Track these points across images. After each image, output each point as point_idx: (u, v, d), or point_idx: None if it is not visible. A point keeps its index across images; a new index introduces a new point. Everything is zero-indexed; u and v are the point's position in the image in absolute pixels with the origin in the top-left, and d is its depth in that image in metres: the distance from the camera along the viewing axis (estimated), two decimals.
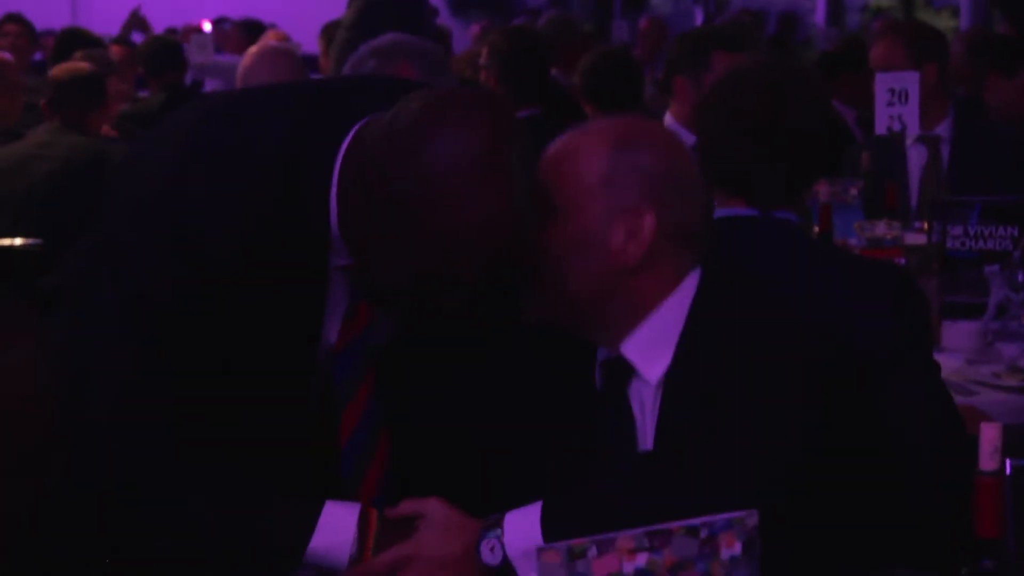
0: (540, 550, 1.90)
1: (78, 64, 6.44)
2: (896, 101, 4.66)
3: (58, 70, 6.24)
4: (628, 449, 2.46)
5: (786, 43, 11.44)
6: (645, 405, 2.45)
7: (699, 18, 13.40)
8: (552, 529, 2.33)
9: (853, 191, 4.88)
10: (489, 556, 2.37)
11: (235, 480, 2.45)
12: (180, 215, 2.35)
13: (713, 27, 7.32)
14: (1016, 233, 4.29)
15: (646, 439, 2.44)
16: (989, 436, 2.07)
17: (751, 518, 1.98)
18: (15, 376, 1.73)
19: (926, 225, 4.64)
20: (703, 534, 1.96)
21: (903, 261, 4.35)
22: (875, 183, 5.22)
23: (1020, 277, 4.22)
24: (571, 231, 2.40)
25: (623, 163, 2.41)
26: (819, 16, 11.14)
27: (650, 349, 2.44)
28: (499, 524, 2.38)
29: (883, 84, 4.63)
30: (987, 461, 2.07)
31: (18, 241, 4.99)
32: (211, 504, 2.43)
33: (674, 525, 1.95)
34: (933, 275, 4.34)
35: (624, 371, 2.47)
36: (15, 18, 9.44)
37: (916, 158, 5.31)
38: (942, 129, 5.31)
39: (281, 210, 2.37)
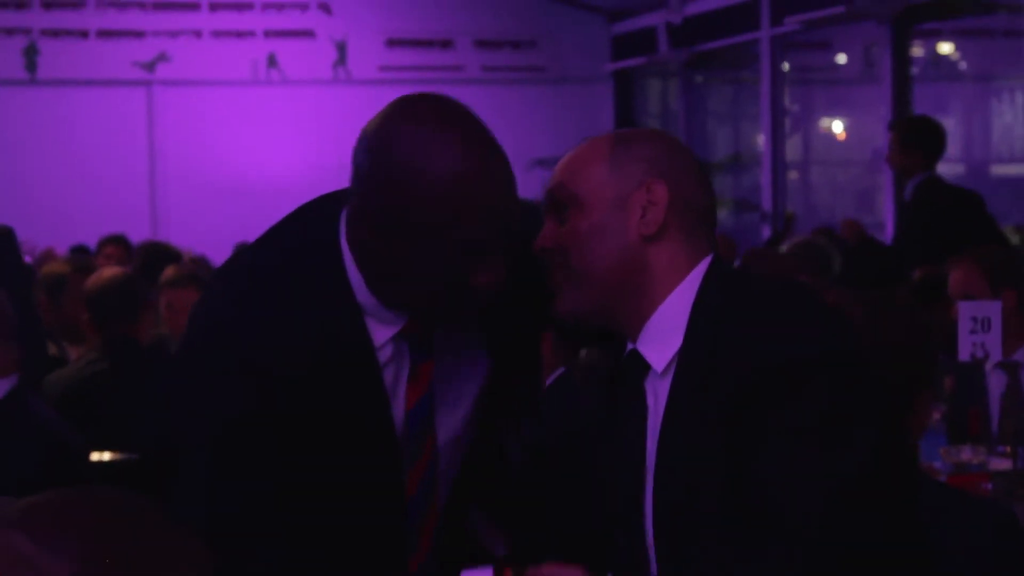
0: None
1: (109, 272, 6.07)
2: (979, 329, 4.72)
3: (90, 282, 5.83)
4: (639, 443, 2.49)
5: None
6: (659, 398, 2.48)
7: (766, 232, 13.57)
8: None
9: (936, 415, 4.91)
10: None
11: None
12: (231, 346, 2.49)
13: (788, 254, 7.34)
14: None
15: (655, 432, 2.47)
16: None
17: None
18: None
19: (1009, 450, 4.69)
20: None
21: (989, 486, 4.39)
22: (958, 408, 5.29)
23: None
24: (593, 219, 2.49)
25: (625, 153, 2.52)
26: (888, 231, 11.29)
27: (658, 339, 2.48)
28: None
29: (966, 312, 4.70)
30: None
31: (107, 456, 5.07)
32: None
33: None
34: (1020, 500, 4.38)
35: (640, 366, 2.51)
36: (115, 240, 9.67)
37: (996, 383, 5.38)
38: (1021, 354, 5.39)
39: (312, 308, 2.50)
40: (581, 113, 13.27)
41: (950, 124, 14.73)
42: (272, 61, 12.98)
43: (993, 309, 4.58)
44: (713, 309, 2.46)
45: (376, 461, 2.55)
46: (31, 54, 12.23)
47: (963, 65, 14.66)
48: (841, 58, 14.85)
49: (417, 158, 2.42)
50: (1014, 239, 11.05)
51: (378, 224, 2.46)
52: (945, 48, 14.00)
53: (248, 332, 2.49)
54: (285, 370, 2.47)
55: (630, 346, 2.53)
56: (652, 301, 2.50)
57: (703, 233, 2.53)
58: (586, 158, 2.53)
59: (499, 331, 2.62)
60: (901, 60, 11.12)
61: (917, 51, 12.33)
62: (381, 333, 2.54)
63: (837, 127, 15.10)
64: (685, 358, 2.45)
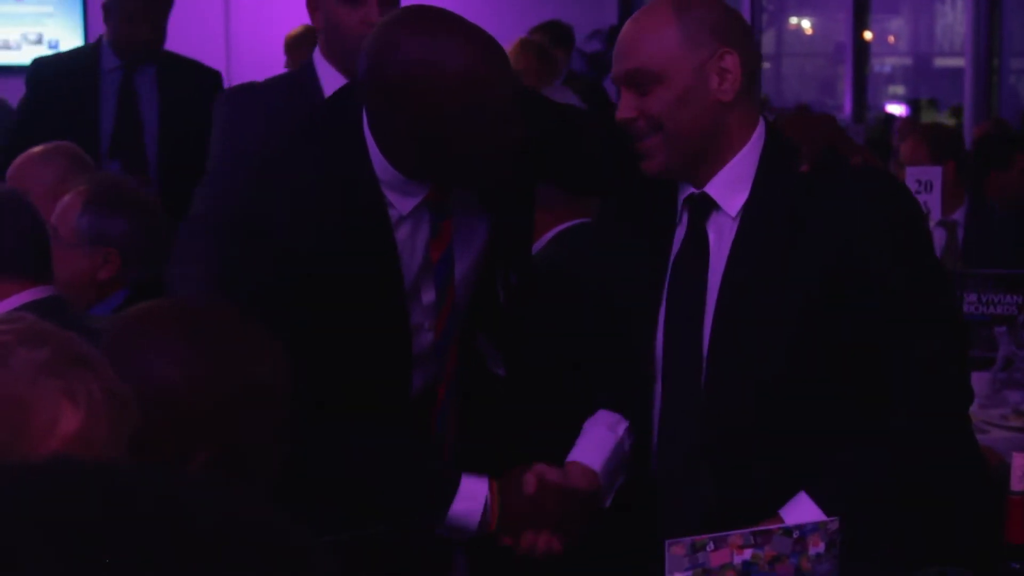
0: (669, 544, 2.03)
1: None
2: (923, 190, 4.74)
3: None
4: (699, 274, 2.45)
5: None
6: (723, 234, 2.44)
7: None
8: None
9: None
10: None
11: (381, 446, 2.48)
12: (264, 222, 2.42)
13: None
14: (1020, 300, 4.37)
15: (719, 263, 2.44)
16: (1020, 463, 2.18)
17: (833, 524, 2.11)
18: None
19: None
20: (795, 535, 2.08)
21: None
22: None
23: None
24: (676, 90, 2.39)
25: (692, 23, 2.39)
26: (846, 112, 11.24)
27: (730, 186, 2.43)
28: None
29: (912, 176, 4.71)
30: (1017, 483, 2.19)
31: None
32: (366, 468, 2.47)
33: (773, 527, 2.09)
34: None
35: (706, 206, 2.46)
36: None
37: (937, 238, 5.41)
38: (958, 215, 5.41)
39: (337, 187, 2.42)
40: (590, 8, 13.13)
41: (900, 22, 14.59)
42: None
43: (935, 173, 4.60)
44: (780, 166, 2.43)
45: (387, 310, 2.50)
46: None
47: None
48: None
49: (426, 58, 2.30)
50: (952, 120, 11.00)
51: (393, 120, 2.37)
52: None
53: (280, 210, 2.42)
54: (313, 239, 2.40)
55: (689, 190, 2.48)
56: (726, 154, 2.44)
57: (757, 90, 2.47)
58: (657, 35, 2.40)
59: (498, 192, 2.55)
60: None
61: None
62: (405, 203, 2.46)
63: (806, 24, 14.95)
64: (756, 205, 2.42)
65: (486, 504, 2.45)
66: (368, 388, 2.51)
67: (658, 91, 2.40)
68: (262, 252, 2.41)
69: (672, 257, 2.50)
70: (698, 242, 2.47)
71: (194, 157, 3.65)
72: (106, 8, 4.76)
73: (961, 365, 2.45)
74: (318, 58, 3.16)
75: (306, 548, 0.79)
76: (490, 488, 2.46)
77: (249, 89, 3.34)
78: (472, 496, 2.45)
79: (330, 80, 3.09)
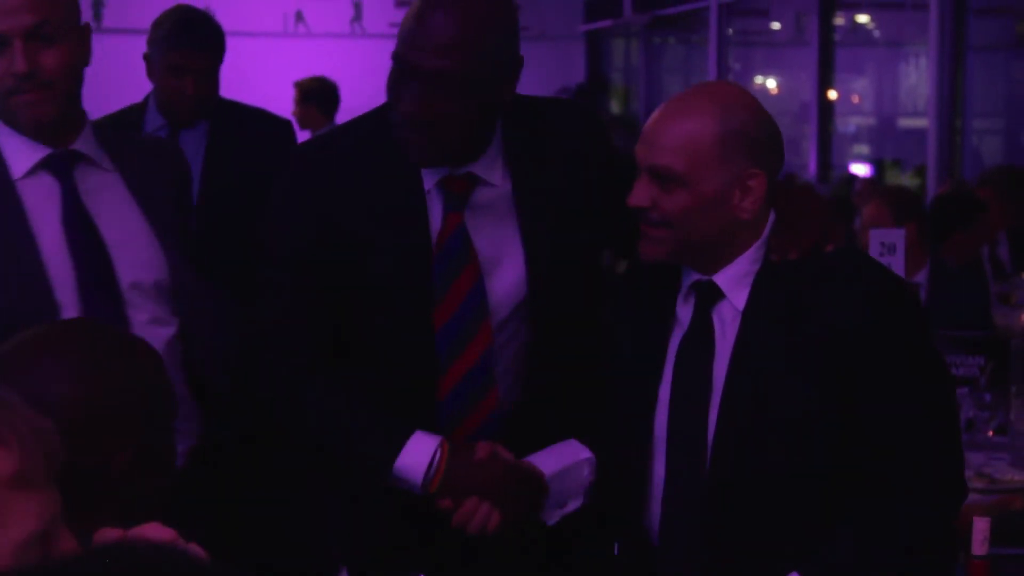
0: None
1: None
2: (886, 253, 4.75)
3: None
4: (705, 359, 2.43)
5: None
6: (727, 324, 2.42)
7: None
8: None
9: None
10: None
11: (350, 398, 2.54)
12: (301, 189, 2.55)
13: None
14: (982, 362, 4.39)
15: (724, 353, 2.41)
16: (980, 527, 2.19)
17: None
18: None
19: None
20: None
21: None
22: None
23: (986, 398, 4.30)
24: (696, 198, 2.35)
25: (730, 135, 2.35)
26: (811, 171, 11.32)
27: (738, 280, 2.41)
28: None
29: (876, 239, 4.72)
30: (978, 548, 2.21)
31: None
32: (326, 415, 2.53)
33: None
34: None
35: (713, 294, 2.43)
36: None
37: None
38: (920, 277, 5.46)
39: (375, 158, 2.54)
40: (558, 66, 13.24)
41: (865, 83, 14.73)
42: (299, 16, 12.92)
43: (898, 236, 4.61)
44: (782, 262, 2.41)
45: (414, 288, 2.54)
46: (97, 5, 12.16)
47: (877, 33, 14.65)
48: (776, 24, 14.81)
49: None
50: (915, 181, 11.10)
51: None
52: (863, 18, 13.97)
53: (327, 176, 2.54)
54: (353, 205, 2.51)
55: (695, 276, 2.46)
56: (734, 253, 2.43)
57: (774, 193, 2.43)
58: (693, 137, 2.35)
59: (538, 238, 2.59)
60: (826, 27, 11.13)
61: (840, 20, 12.31)
62: (428, 178, 2.53)
63: (771, 83, 15.09)
64: (758, 302, 2.40)
65: (432, 461, 2.46)
66: (397, 378, 2.56)
67: (678, 193, 2.37)
68: (307, 216, 2.51)
69: (679, 339, 2.48)
70: (704, 330, 2.44)
71: (237, 218, 3.58)
72: (147, 59, 4.20)
73: (958, 464, 2.43)
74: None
75: None
76: (440, 448, 2.47)
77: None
78: (420, 451, 2.47)
79: None
